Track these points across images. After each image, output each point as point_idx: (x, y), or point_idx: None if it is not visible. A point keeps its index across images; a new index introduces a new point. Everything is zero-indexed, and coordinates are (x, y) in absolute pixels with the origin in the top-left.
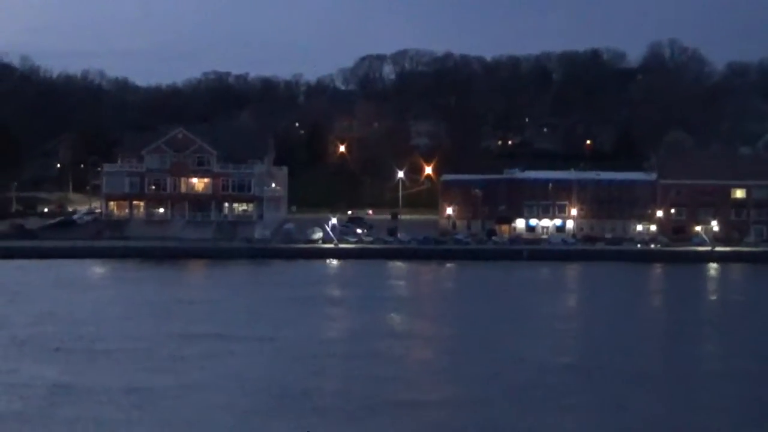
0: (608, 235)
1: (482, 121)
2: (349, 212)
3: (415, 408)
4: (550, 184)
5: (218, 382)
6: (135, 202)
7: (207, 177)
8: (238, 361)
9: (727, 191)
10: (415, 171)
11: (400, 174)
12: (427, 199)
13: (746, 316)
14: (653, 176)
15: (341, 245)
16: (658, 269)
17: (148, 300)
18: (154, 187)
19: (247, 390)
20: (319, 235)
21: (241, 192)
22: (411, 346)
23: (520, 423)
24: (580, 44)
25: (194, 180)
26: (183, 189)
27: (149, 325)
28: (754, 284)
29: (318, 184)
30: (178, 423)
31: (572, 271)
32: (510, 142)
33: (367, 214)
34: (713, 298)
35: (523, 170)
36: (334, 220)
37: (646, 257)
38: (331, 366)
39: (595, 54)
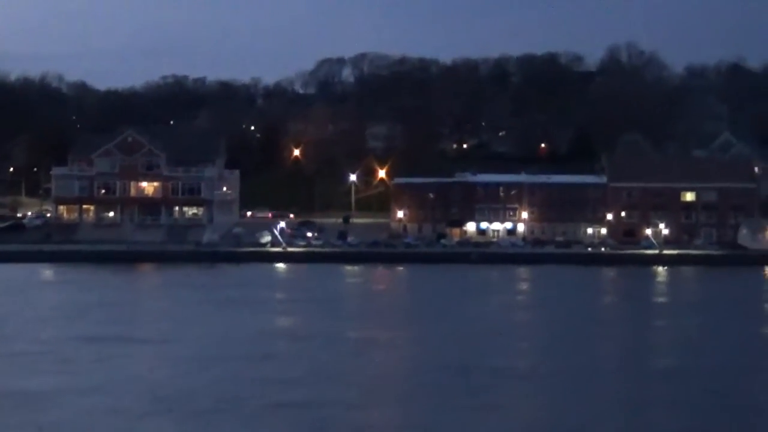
0: (558, 239)
1: (439, 123)
2: (291, 216)
3: (298, 408)
4: (501, 188)
5: (106, 385)
6: (85, 206)
7: (157, 180)
8: (132, 363)
9: (677, 194)
10: (369, 174)
11: (353, 177)
12: (381, 202)
13: (665, 316)
14: (604, 179)
15: (289, 249)
16: (603, 272)
17: (72, 302)
18: (103, 191)
19: (134, 392)
20: (267, 238)
21: (191, 195)
22: (315, 347)
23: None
24: (538, 47)
25: (144, 183)
26: (133, 192)
27: (58, 327)
28: (683, 286)
29: (271, 188)
30: (53, 427)
31: (514, 273)
32: (466, 145)
33: (289, 216)
34: (644, 298)
35: (475, 173)
36: (282, 224)
37: (595, 260)
38: (226, 368)
39: (553, 57)
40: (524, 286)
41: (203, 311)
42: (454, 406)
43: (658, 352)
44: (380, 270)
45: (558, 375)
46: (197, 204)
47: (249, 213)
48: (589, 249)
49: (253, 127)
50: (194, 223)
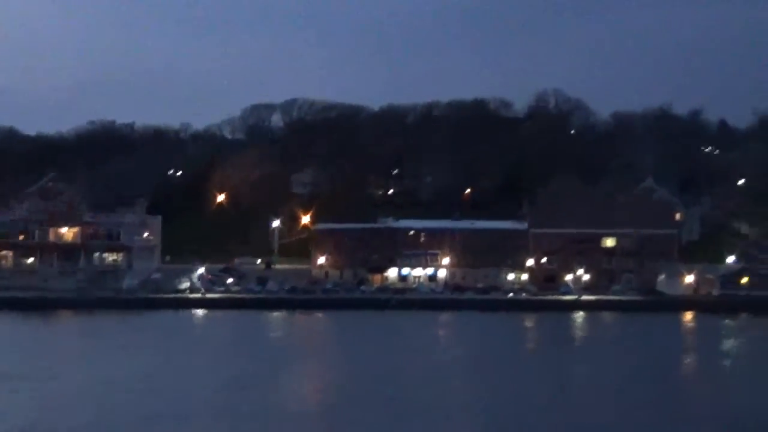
0: (479, 285)
1: (366, 170)
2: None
3: None
4: (423, 234)
5: None
6: (3, 252)
7: (76, 226)
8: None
9: (598, 240)
10: (293, 219)
11: (276, 223)
12: (304, 248)
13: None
14: (526, 225)
15: (208, 295)
16: (519, 318)
17: None
18: (22, 236)
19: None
20: (186, 284)
21: (110, 241)
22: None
23: None
24: (467, 93)
25: (63, 229)
26: (52, 238)
27: None
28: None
29: (195, 233)
30: None
31: (431, 319)
32: (392, 191)
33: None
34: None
35: (397, 219)
36: (201, 270)
37: (514, 306)
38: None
39: (481, 103)
40: (437, 330)
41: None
42: None
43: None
44: (299, 317)
45: None
46: (117, 250)
47: (237, 260)
48: (510, 295)
49: (179, 173)
50: (113, 269)
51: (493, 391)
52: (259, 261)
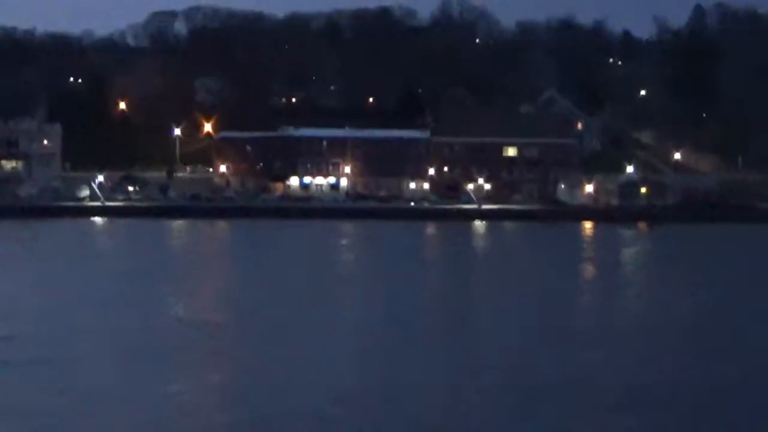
0: (382, 193)
1: (269, 78)
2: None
3: None
4: (325, 142)
5: None
6: None
7: None
8: None
9: (499, 149)
10: (196, 128)
11: (178, 131)
12: (207, 156)
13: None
14: (427, 134)
15: (108, 203)
16: (421, 226)
17: None
18: None
19: None
20: (86, 193)
21: (9, 148)
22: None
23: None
24: (372, 2)
25: None
26: None
27: None
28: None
29: (96, 142)
30: None
31: (333, 228)
32: (294, 100)
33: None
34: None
35: (298, 128)
36: (100, 178)
37: (415, 215)
38: None
39: (385, 11)
40: (337, 240)
41: None
42: None
43: None
44: (200, 225)
45: None
46: (15, 157)
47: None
48: (411, 204)
49: (80, 80)
50: (12, 177)
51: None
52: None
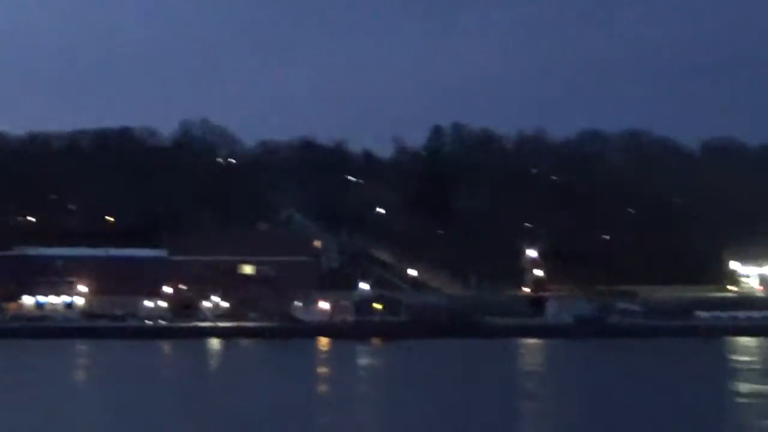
0: (118, 312)
1: (7, 196)
2: None
3: None
4: (60, 261)
5: None
6: None
7: None
8: None
9: (236, 267)
10: None
11: None
12: None
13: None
14: (164, 253)
15: None
16: (156, 345)
17: None
18: None
19: None
20: None
21: None
22: None
23: None
24: (114, 122)
25: None
26: None
27: None
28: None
29: None
30: None
31: (69, 348)
32: (32, 219)
33: None
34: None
35: (36, 247)
36: None
37: (149, 333)
38: None
39: (127, 131)
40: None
41: None
42: None
43: None
44: None
45: None
46: None
47: None
48: (147, 322)
49: None
50: None
51: None
52: None
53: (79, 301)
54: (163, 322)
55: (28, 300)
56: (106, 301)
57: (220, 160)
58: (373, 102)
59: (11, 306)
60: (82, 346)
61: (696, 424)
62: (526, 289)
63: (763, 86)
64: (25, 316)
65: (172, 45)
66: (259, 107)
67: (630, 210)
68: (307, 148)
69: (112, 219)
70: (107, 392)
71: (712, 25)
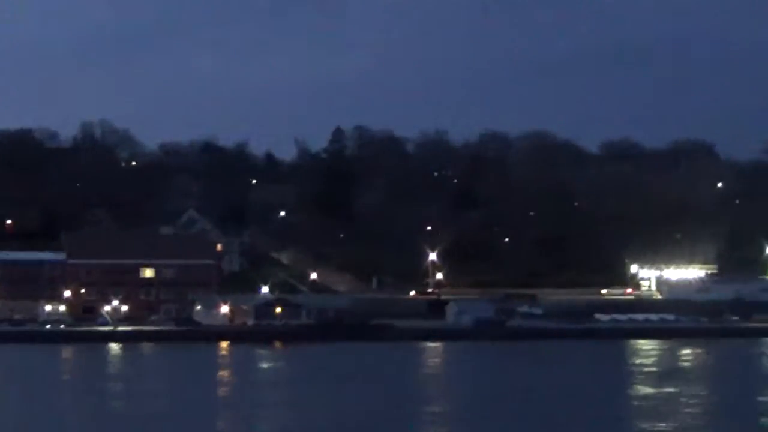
0: (16, 316)
1: None
2: None
3: None
4: None
5: None
6: None
7: None
8: None
9: (137, 270)
10: None
11: None
12: None
13: None
14: (63, 256)
15: None
16: (55, 349)
17: None
18: None
19: None
20: None
21: None
22: None
23: None
24: (12, 123)
25: None
26: None
27: None
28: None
29: None
30: None
31: None
32: None
33: None
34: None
35: None
36: None
37: (50, 338)
38: None
39: (26, 133)
40: None
41: None
42: None
43: None
44: None
45: None
46: None
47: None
48: (47, 326)
49: None
50: None
51: None
52: None
53: None
54: (62, 327)
55: None
56: (4, 305)
57: (122, 162)
58: (274, 104)
59: None
60: None
61: (590, 427)
62: (428, 291)
63: (662, 88)
64: None
65: (72, 45)
66: (160, 109)
67: (532, 213)
68: (209, 150)
69: (9, 221)
70: None
71: (614, 29)
